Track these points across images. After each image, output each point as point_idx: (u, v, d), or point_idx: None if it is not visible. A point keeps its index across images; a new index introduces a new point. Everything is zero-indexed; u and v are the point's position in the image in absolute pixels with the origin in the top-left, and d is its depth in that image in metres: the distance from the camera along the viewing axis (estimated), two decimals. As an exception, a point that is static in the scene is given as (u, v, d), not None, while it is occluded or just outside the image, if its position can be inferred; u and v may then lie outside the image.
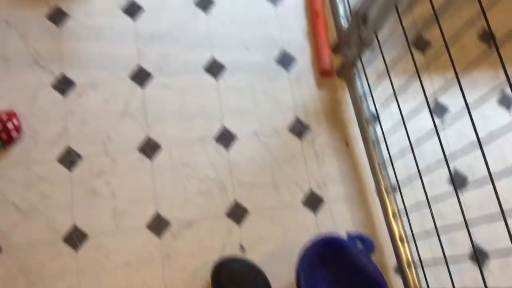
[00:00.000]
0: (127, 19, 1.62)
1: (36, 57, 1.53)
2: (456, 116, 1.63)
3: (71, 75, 1.53)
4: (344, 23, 1.62)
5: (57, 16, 1.59)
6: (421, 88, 1.18)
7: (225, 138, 1.54)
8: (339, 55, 1.66)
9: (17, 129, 1.41)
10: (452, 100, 1.65)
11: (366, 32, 1.40)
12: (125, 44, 1.59)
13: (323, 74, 1.62)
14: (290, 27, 1.68)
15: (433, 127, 1.23)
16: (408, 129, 1.32)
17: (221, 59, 1.61)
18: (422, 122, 1.53)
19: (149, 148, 1.49)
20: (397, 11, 1.26)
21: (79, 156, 1.46)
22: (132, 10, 1.63)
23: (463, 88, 1.04)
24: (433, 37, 1.71)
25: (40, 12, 1.59)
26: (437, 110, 1.64)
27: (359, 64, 1.57)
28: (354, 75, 1.59)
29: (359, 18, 1.42)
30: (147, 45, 1.60)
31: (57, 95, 1.51)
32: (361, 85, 1.58)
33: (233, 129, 1.55)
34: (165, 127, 1.52)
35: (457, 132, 1.62)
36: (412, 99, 1.53)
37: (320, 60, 1.63)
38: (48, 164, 1.44)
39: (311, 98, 1.61)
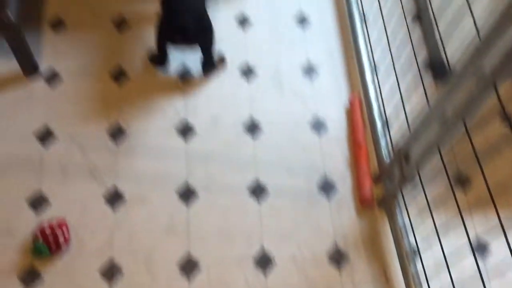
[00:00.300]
0: (180, 139, 1.73)
1: (92, 170, 1.64)
2: (501, 263, 1.60)
3: (122, 189, 1.61)
4: (385, 156, 1.68)
5: (116, 132, 1.71)
6: (463, 225, 1.19)
7: (264, 261, 1.54)
8: (380, 186, 1.69)
9: (66, 240, 1.47)
10: (495, 240, 1.63)
11: (408, 169, 1.45)
12: (175, 163, 1.68)
13: (363, 203, 1.65)
14: (333, 156, 1.75)
15: (476, 269, 1.21)
16: (449, 265, 1.31)
17: (264, 182, 1.68)
18: (464, 258, 1.50)
19: (189, 267, 1.51)
20: (440, 152, 1.31)
21: (120, 270, 1.49)
22: (186, 131, 1.74)
23: (506, 229, 1.05)
24: (475, 174, 1.73)
25: (101, 127, 1.72)
26: (479, 250, 1.62)
27: (400, 197, 1.60)
28: (395, 208, 1.61)
29: (402, 155, 1.47)
30: (196, 164, 1.68)
31: (107, 207, 1.58)
32: (401, 218, 1.59)
33: (272, 252, 1.56)
34: (206, 246, 1.55)
35: (502, 280, 1.57)
36: (454, 235, 1.52)
37: (361, 189, 1.67)
38: (90, 276, 1.47)
39: (351, 227, 1.63)
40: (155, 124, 1.75)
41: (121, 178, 1.63)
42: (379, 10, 1.76)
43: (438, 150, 1.30)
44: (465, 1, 1.25)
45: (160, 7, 1.68)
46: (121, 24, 1.93)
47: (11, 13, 1.54)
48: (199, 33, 1.67)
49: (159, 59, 1.81)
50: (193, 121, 1.76)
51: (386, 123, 1.74)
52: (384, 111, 1.75)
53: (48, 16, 1.91)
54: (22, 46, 1.64)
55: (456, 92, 1.20)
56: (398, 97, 1.67)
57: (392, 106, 1.77)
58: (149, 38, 1.90)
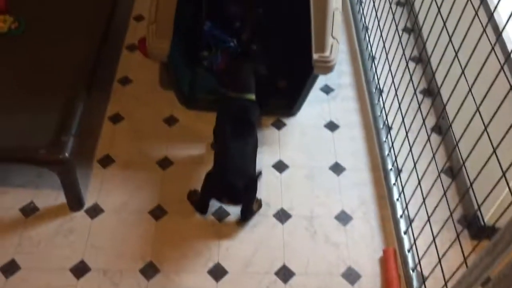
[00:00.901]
0: (211, 281, 1.72)
1: (121, 309, 1.62)
2: None
3: (148, 331, 1.58)
4: (423, 314, 1.61)
5: (149, 271, 1.72)
6: None
7: None
8: None
9: None
10: None
11: (448, 333, 1.38)
12: (205, 306, 1.65)
13: None
14: (367, 310, 1.69)
15: None
16: None
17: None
18: None
19: None
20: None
21: None
22: (217, 274, 1.73)
23: None
24: None
25: (135, 265, 1.74)
26: None
27: None
28: None
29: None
30: (225, 310, 1.65)
31: None
32: None
33: None
34: None
35: None
36: None
37: None
38: None
39: None
40: (187, 264, 1.75)
41: (149, 320, 1.61)
42: (413, 164, 1.82)
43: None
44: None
45: (214, 159, 1.80)
46: (165, 163, 2.04)
47: (67, 152, 1.65)
48: (246, 195, 1.78)
49: (200, 207, 1.88)
50: (225, 263, 1.76)
51: (422, 279, 1.69)
52: (420, 265, 1.71)
53: (99, 154, 2.06)
54: (73, 183, 1.74)
55: (498, 257, 1.17)
56: (434, 251, 1.64)
57: (427, 260, 1.74)
58: (190, 177, 1.99)
